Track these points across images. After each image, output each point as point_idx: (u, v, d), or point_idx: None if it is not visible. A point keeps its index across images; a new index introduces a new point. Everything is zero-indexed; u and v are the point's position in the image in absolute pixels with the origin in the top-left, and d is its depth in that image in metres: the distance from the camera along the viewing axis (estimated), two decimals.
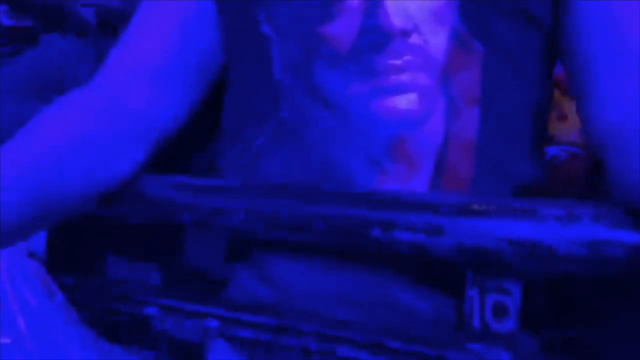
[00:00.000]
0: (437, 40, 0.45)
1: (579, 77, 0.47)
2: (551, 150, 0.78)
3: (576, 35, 0.46)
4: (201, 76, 0.57)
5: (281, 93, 0.49)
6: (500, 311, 0.35)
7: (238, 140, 0.53)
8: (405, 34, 0.45)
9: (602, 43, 0.44)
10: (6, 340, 0.38)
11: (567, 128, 0.82)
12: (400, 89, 0.45)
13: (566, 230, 0.34)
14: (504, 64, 0.46)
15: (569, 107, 0.82)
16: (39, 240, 0.52)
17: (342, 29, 0.46)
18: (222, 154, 0.57)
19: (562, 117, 0.79)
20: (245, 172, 0.51)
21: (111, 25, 0.84)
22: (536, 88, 0.48)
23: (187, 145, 0.62)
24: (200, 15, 0.57)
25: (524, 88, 0.47)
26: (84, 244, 0.61)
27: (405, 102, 0.45)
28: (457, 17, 0.45)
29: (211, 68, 0.58)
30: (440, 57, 0.45)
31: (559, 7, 0.47)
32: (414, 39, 0.45)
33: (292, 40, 0.48)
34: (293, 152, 0.48)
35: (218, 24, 0.57)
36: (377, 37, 0.45)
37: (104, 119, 0.52)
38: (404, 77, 0.45)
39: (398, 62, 0.45)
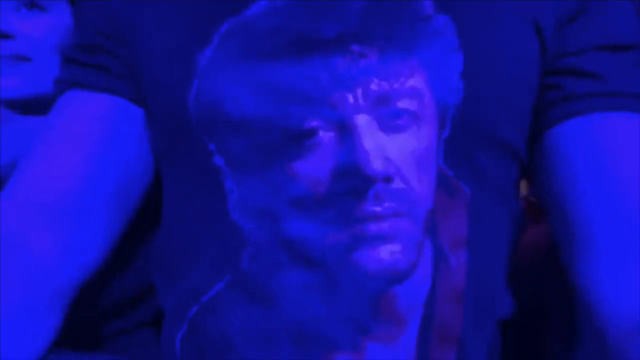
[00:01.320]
0: (422, 186, 0.40)
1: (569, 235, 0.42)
2: None
3: (560, 185, 0.43)
4: (125, 199, 0.48)
5: (240, 239, 0.41)
6: None
7: (178, 281, 0.45)
8: (387, 179, 0.39)
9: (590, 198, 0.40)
10: None
11: None
12: (383, 239, 0.39)
13: None
14: (490, 200, 0.42)
15: None
16: None
17: (314, 168, 0.40)
18: (158, 289, 0.48)
19: None
20: (195, 328, 0.43)
21: None
22: (517, 215, 0.46)
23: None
24: (126, 123, 0.47)
25: (508, 219, 0.44)
26: None
27: (388, 253, 0.39)
28: (441, 160, 0.40)
29: (135, 188, 0.49)
30: (425, 204, 0.40)
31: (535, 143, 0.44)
32: (397, 183, 0.39)
33: (252, 176, 0.41)
34: (257, 310, 0.41)
35: (148, 135, 0.48)
36: (355, 181, 0.39)
37: (4, 276, 0.41)
38: (387, 226, 0.39)
39: (380, 209, 0.39)
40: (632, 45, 0.43)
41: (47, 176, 0.45)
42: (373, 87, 0.39)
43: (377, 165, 0.38)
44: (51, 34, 0.65)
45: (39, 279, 0.42)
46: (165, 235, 0.47)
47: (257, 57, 0.41)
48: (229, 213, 0.41)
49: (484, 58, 0.40)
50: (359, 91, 0.39)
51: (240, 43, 0.41)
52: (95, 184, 0.46)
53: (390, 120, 0.39)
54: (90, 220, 0.45)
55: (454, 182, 0.41)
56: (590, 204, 0.40)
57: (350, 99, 0.39)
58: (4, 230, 0.43)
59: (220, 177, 0.41)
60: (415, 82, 0.39)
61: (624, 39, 0.43)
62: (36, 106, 0.66)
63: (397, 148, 0.39)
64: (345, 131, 0.39)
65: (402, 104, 0.39)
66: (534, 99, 0.43)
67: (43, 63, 0.64)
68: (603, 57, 0.42)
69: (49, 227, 0.44)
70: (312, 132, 0.39)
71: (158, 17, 0.45)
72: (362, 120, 0.39)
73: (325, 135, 0.39)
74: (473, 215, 0.41)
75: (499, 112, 0.41)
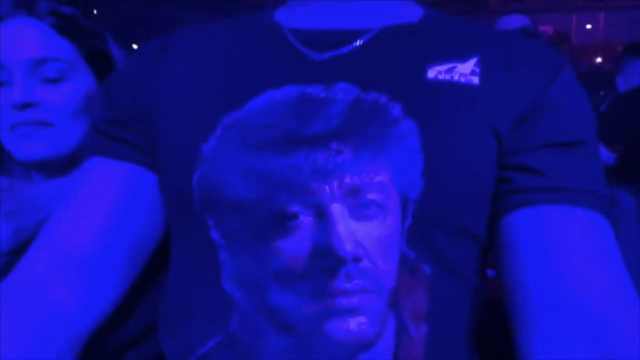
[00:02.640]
0: (387, 266, 0.46)
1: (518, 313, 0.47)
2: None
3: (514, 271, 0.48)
4: (136, 256, 0.55)
5: (230, 305, 0.48)
6: None
7: (179, 334, 0.51)
8: (357, 259, 0.46)
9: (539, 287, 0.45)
10: None
11: None
12: (352, 312, 0.46)
13: None
14: (450, 279, 0.48)
15: None
16: None
17: (294, 247, 0.46)
18: (160, 337, 0.55)
19: None
20: None
21: None
22: (478, 291, 0.51)
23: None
24: (140, 188, 0.55)
25: (468, 295, 0.50)
26: None
27: (356, 324, 0.46)
28: (404, 243, 0.47)
29: (148, 246, 0.56)
30: (389, 282, 0.46)
31: (494, 227, 0.50)
32: (365, 264, 0.46)
33: (243, 250, 0.48)
34: None
35: (159, 198, 0.55)
36: (329, 260, 0.45)
37: (25, 325, 0.48)
38: (355, 300, 0.46)
39: (349, 285, 0.46)
40: (577, 142, 0.49)
41: (69, 235, 0.53)
42: (347, 180, 0.46)
43: (348, 247, 0.45)
44: (71, 100, 0.73)
45: (57, 327, 0.49)
46: (169, 292, 0.54)
47: (251, 149, 0.48)
48: (221, 282, 0.48)
49: (443, 159, 0.47)
50: (335, 183, 0.46)
51: (239, 135, 0.49)
52: (112, 242, 0.53)
53: (360, 209, 0.46)
54: (107, 276, 0.53)
55: (415, 264, 0.47)
56: (529, 288, 0.46)
57: (327, 189, 0.46)
58: (28, 282, 0.50)
59: (216, 249, 0.48)
60: (382, 178, 0.46)
61: (570, 137, 0.49)
62: (60, 165, 0.74)
63: (366, 234, 0.46)
64: (322, 217, 0.46)
65: (371, 196, 0.46)
66: (491, 191, 0.49)
67: (64, 127, 0.73)
68: (549, 154, 0.48)
69: (69, 281, 0.51)
70: (294, 216, 0.46)
71: (172, 106, 0.54)
72: (337, 209, 0.46)
73: (305, 219, 0.46)
74: (433, 292, 0.47)
75: (456, 205, 0.47)
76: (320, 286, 0.45)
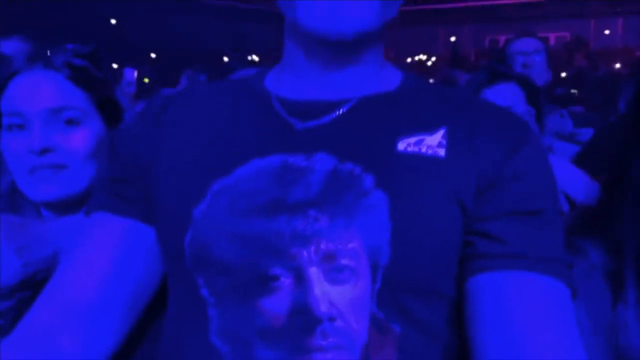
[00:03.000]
0: (358, 325, 0.51)
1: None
2: None
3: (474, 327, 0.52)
4: (136, 303, 0.61)
5: (217, 358, 0.52)
6: None
7: None
8: (332, 319, 0.50)
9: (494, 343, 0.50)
10: None
11: None
12: None
13: None
14: (419, 336, 0.53)
15: None
16: None
17: (276, 306, 0.51)
18: None
19: None
20: None
21: None
22: (448, 345, 0.55)
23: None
24: (138, 241, 0.60)
25: (437, 350, 0.54)
26: None
27: None
28: (374, 305, 0.51)
29: (146, 292, 0.62)
30: (361, 340, 0.51)
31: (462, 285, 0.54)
32: (339, 323, 0.50)
33: (230, 308, 0.53)
34: None
35: (157, 249, 0.60)
36: (307, 319, 0.50)
37: None
38: (330, 356, 0.50)
39: (325, 342, 0.50)
40: (536, 211, 0.53)
41: (74, 286, 0.58)
42: (323, 246, 0.51)
43: (323, 308, 0.50)
44: (84, 144, 0.80)
45: None
46: (164, 340, 0.59)
47: (238, 214, 0.53)
48: (209, 336, 0.53)
49: (409, 229, 0.51)
50: (312, 248, 0.51)
51: (227, 202, 0.54)
52: (113, 292, 0.59)
53: (334, 273, 0.51)
54: (109, 322, 0.59)
55: (384, 323, 0.51)
56: (485, 350, 0.50)
57: (305, 254, 0.51)
58: (38, 328, 0.56)
59: (205, 305, 0.54)
60: (354, 245, 0.51)
61: (529, 206, 0.53)
62: (70, 203, 0.80)
63: (339, 296, 0.51)
64: (301, 279, 0.51)
65: (344, 261, 0.51)
66: (457, 255, 0.54)
67: (76, 168, 0.79)
68: (509, 222, 0.52)
69: (74, 328, 0.57)
70: (276, 278, 0.51)
71: (168, 168, 0.59)
72: (313, 272, 0.51)
73: (286, 281, 0.51)
74: (402, 349, 0.52)
75: (422, 270, 0.52)
76: (299, 343, 0.50)
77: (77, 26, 8.39)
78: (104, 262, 0.59)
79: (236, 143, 0.57)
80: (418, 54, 10.66)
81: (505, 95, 1.19)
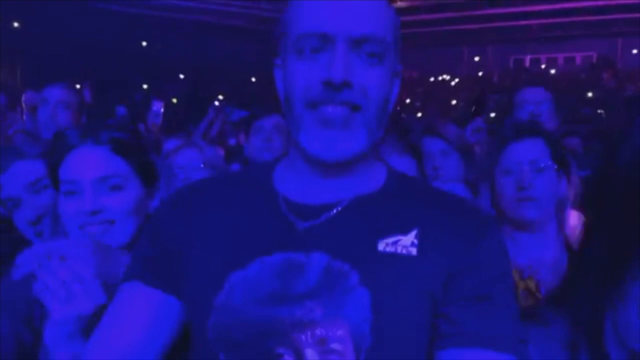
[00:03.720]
0: None
1: None
2: None
3: None
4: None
5: None
6: None
7: None
8: None
9: None
10: None
11: None
12: None
13: None
14: None
15: None
16: None
17: None
18: None
19: None
20: None
21: None
22: None
23: None
24: (166, 311, 0.71)
25: None
26: None
27: None
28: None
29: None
30: None
31: None
32: None
33: None
34: None
35: (182, 319, 0.71)
36: None
37: None
38: None
39: None
40: (488, 295, 0.65)
41: (105, 351, 0.70)
42: (317, 332, 0.63)
43: None
44: (127, 204, 0.95)
45: None
46: None
47: (250, 303, 0.66)
48: None
49: (387, 319, 0.64)
50: (309, 333, 0.63)
51: (241, 292, 0.66)
52: (143, 353, 0.70)
53: (326, 355, 0.63)
54: None
55: None
56: None
57: (303, 337, 0.63)
58: None
59: None
60: (342, 332, 0.63)
61: (483, 291, 0.65)
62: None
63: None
64: (299, 357, 0.63)
65: (334, 345, 0.63)
66: (428, 337, 0.65)
67: (122, 223, 0.93)
68: (466, 306, 0.65)
69: None
70: (280, 355, 0.64)
71: (193, 259, 0.70)
72: (309, 353, 0.63)
73: (289, 358, 0.64)
74: None
75: (397, 352, 0.65)
76: None
77: (110, 47, 8.74)
78: (134, 326, 0.71)
79: (249, 240, 0.69)
80: (442, 74, 10.76)
81: (533, 150, 1.23)
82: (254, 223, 0.71)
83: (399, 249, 0.67)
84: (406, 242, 0.68)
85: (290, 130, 0.72)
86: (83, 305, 0.78)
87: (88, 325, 0.78)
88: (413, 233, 0.69)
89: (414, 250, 0.67)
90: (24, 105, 2.76)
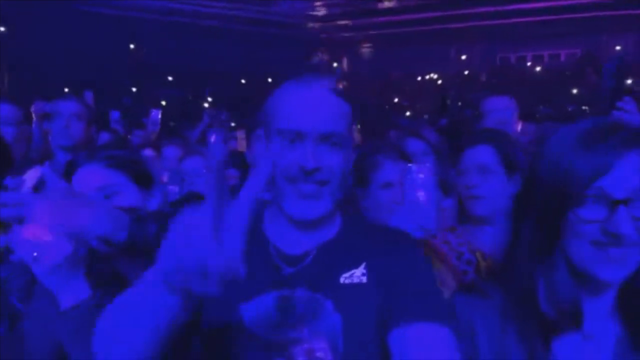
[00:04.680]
0: None
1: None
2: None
3: None
4: None
5: None
6: None
7: None
8: None
9: None
10: None
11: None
12: None
13: None
14: None
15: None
16: None
17: None
18: None
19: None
20: None
21: None
22: None
23: None
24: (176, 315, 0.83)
25: None
26: None
27: None
28: None
29: None
30: None
31: None
32: None
33: None
34: None
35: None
36: None
37: None
38: None
39: None
40: (422, 290, 0.98)
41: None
42: (306, 346, 0.94)
43: None
44: (122, 206, 1.16)
45: None
46: None
47: (256, 327, 0.97)
48: None
49: (353, 334, 0.95)
50: (299, 347, 0.94)
51: (249, 319, 0.98)
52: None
53: None
54: None
55: None
56: None
57: (295, 350, 0.94)
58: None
59: None
60: (323, 345, 0.93)
61: (416, 287, 0.98)
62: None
63: None
64: None
65: (318, 354, 0.94)
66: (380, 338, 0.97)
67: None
68: (404, 298, 0.96)
69: None
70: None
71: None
72: None
73: None
74: None
75: (363, 354, 0.96)
76: None
77: (98, 51, 8.68)
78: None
79: (253, 279, 0.85)
80: (429, 73, 10.82)
81: (482, 155, 1.48)
82: (255, 266, 0.82)
83: (355, 280, 0.99)
84: (358, 273, 1.00)
85: (274, 195, 1.02)
86: (52, 258, 0.92)
87: (78, 264, 0.95)
88: (362, 265, 1.00)
89: (364, 279, 0.99)
90: (33, 114, 2.98)
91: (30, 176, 1.03)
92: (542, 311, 0.88)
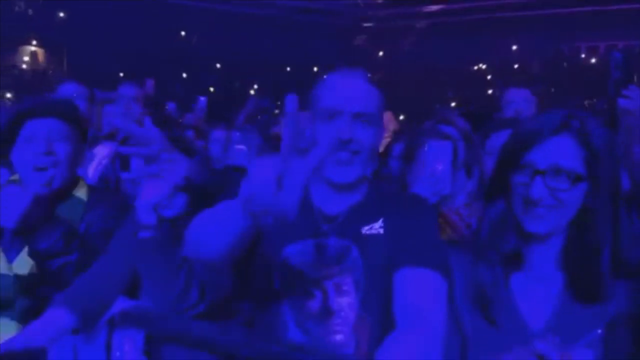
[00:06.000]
0: (352, 314, 1.24)
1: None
2: None
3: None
4: None
5: None
6: None
7: None
8: (339, 311, 1.21)
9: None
10: None
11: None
12: None
13: None
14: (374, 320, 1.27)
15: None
16: None
17: (314, 304, 1.21)
18: None
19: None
20: None
21: None
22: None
23: None
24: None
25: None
26: None
27: None
28: (358, 305, 1.10)
29: None
30: (352, 323, 1.23)
31: None
32: (342, 314, 1.03)
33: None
34: None
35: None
36: (327, 311, 1.00)
37: None
38: (338, 329, 1.23)
39: (337, 324, 1.22)
40: (423, 241, 1.25)
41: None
42: (335, 280, 1.26)
43: (335, 306, 1.25)
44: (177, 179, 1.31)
45: None
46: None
47: (299, 264, 1.27)
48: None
49: (372, 273, 1.25)
50: (330, 282, 1.26)
51: (293, 257, 1.28)
52: None
53: (340, 293, 1.26)
54: None
55: (362, 311, 1.27)
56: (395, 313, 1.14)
57: (327, 284, 1.26)
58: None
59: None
60: (348, 280, 1.25)
61: (418, 240, 1.25)
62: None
63: (343, 302, 1.26)
64: (326, 295, 1.25)
65: (345, 288, 1.25)
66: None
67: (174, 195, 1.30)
68: (405, 248, 1.23)
69: None
70: (312, 294, 1.26)
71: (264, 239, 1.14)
72: (331, 291, 1.26)
73: (318, 294, 1.26)
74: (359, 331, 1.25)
75: (380, 290, 1.23)
76: (324, 324, 1.24)
77: (149, 38, 8.99)
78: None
79: (296, 228, 1.18)
80: (477, 64, 10.64)
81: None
82: (300, 219, 1.00)
83: (373, 231, 1.26)
84: (377, 227, 1.27)
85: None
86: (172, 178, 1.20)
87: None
88: (380, 220, 1.28)
89: (381, 230, 1.27)
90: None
91: (100, 151, 1.21)
92: (500, 250, 1.15)
